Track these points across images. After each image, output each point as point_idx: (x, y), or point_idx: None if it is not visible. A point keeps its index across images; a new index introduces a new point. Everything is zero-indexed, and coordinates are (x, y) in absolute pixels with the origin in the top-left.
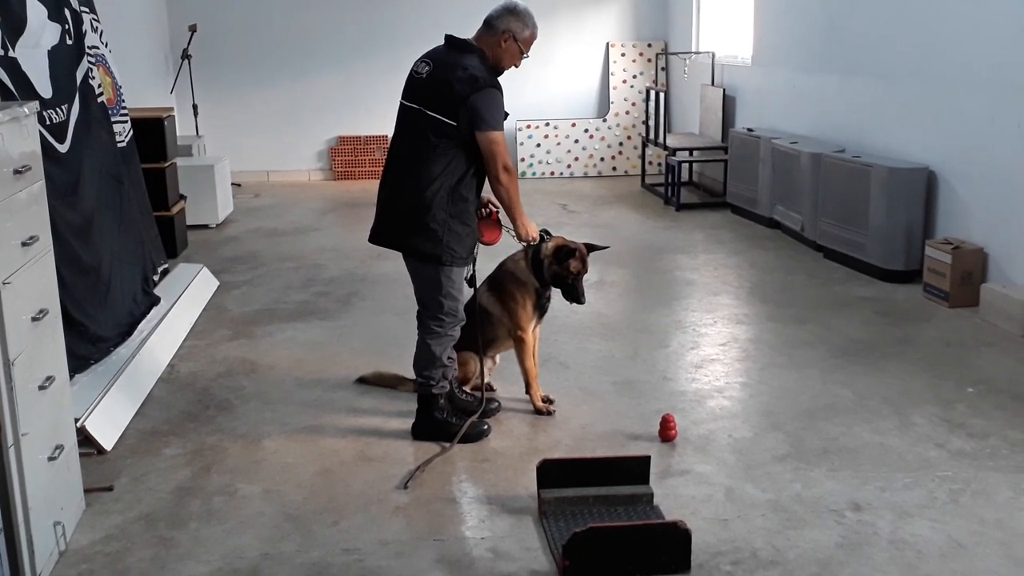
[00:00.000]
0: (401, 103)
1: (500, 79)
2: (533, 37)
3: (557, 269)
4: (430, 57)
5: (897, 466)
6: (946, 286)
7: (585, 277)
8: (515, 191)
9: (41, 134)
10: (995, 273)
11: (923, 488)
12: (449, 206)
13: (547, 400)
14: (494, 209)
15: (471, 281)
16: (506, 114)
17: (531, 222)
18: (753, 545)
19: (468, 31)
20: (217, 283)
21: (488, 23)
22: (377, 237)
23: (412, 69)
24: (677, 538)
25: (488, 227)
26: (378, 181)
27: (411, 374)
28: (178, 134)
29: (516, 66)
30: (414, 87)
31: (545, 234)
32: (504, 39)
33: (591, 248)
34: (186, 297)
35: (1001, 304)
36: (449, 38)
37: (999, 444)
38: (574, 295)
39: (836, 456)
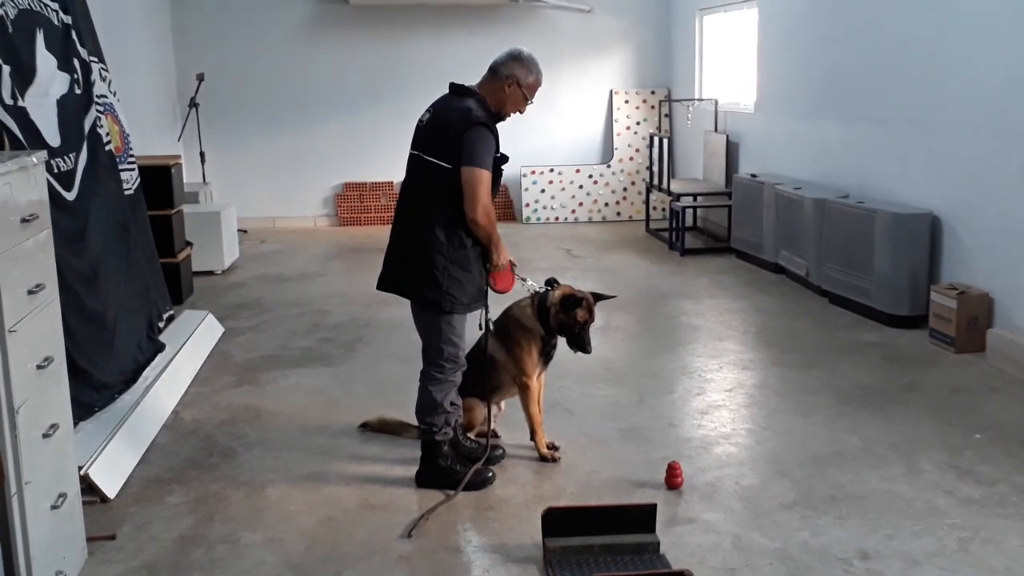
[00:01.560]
0: (409, 152)
1: (502, 125)
2: (537, 84)
3: (563, 318)
4: (433, 106)
5: (905, 513)
6: (952, 331)
7: (591, 325)
8: (494, 231)
9: (49, 182)
10: (1001, 318)
11: (932, 536)
12: (449, 252)
13: (552, 447)
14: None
15: (484, 326)
16: (505, 158)
17: (504, 251)
18: None
19: (471, 78)
20: (222, 329)
21: (493, 69)
22: (383, 283)
23: (419, 119)
24: None
25: (501, 275)
26: (383, 227)
27: (415, 420)
28: (185, 181)
29: (520, 112)
30: (417, 135)
31: (552, 282)
32: (508, 84)
33: (598, 297)
34: (191, 344)
35: (1008, 349)
36: (452, 86)
37: (1008, 491)
38: (580, 344)
39: (844, 504)
